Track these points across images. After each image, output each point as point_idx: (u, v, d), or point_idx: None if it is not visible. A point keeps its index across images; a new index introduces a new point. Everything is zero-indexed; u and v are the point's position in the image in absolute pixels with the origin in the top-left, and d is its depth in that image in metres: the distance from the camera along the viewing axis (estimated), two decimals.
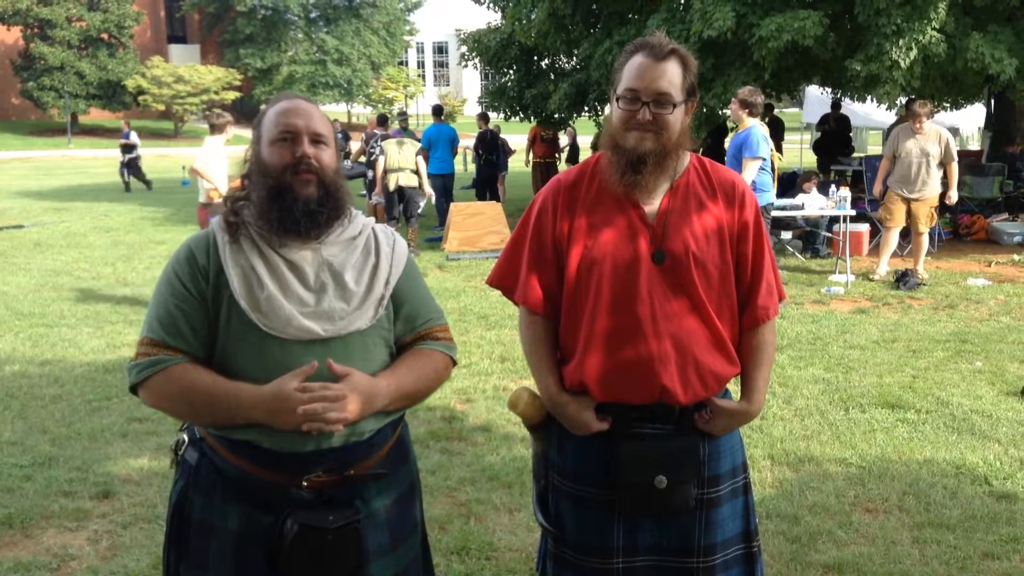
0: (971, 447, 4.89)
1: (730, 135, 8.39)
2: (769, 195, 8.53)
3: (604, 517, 2.28)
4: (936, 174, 9.49)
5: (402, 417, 2.25)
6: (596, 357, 2.23)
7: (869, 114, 17.94)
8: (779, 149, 17.62)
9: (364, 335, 2.09)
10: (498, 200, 15.44)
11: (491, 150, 16.61)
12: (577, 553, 2.31)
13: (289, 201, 2.03)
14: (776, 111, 18.20)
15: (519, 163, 20.29)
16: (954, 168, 9.62)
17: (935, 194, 9.55)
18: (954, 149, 9.59)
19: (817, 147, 17.21)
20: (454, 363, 2.31)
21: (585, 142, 20.75)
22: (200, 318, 2.04)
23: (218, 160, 8.52)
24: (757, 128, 8.02)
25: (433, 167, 14.26)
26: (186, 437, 2.16)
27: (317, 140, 2.08)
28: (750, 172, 7.87)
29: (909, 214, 9.62)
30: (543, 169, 17.33)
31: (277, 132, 2.07)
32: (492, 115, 17.31)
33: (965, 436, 5.06)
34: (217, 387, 2.00)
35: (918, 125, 9.50)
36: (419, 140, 13.83)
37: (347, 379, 2.01)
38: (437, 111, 15.31)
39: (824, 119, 16.85)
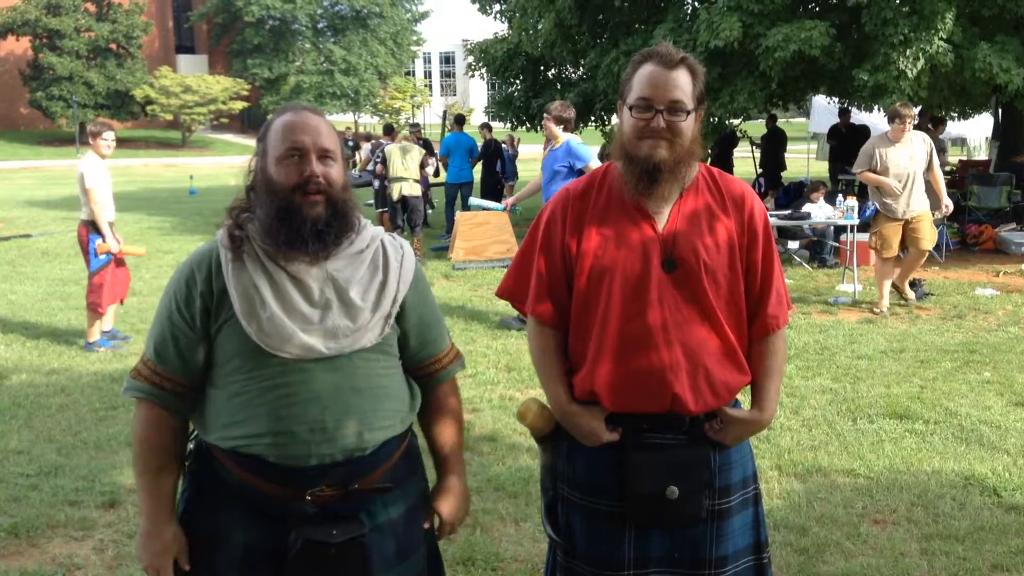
0: (980, 458, 4.87)
1: (547, 150, 7.92)
2: None
3: (615, 529, 2.27)
4: (923, 183, 8.42)
5: (409, 429, 2.24)
6: (606, 366, 2.22)
7: (876, 124, 17.92)
8: (781, 160, 17.65)
9: (369, 352, 2.08)
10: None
11: (493, 160, 16.65)
12: (587, 565, 2.30)
13: (297, 222, 2.00)
14: (781, 121, 18.19)
15: (527, 172, 20.29)
16: (938, 175, 8.61)
17: (928, 205, 8.49)
18: (936, 156, 8.55)
19: (832, 156, 17.17)
20: (462, 369, 2.38)
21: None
22: (193, 344, 2.05)
23: (105, 181, 7.31)
24: (576, 139, 7.90)
25: (451, 176, 14.36)
26: (193, 447, 2.16)
27: (325, 156, 2.05)
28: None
29: (905, 237, 8.44)
30: None
31: (284, 149, 2.03)
32: (500, 124, 17.34)
33: (974, 447, 5.04)
34: (147, 477, 2.08)
35: (902, 129, 8.33)
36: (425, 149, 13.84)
37: (443, 514, 2.27)
38: (459, 120, 15.44)
39: (834, 130, 16.80)
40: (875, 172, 8.34)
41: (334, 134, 2.10)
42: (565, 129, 7.84)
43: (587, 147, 7.89)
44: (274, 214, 2.02)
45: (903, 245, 8.51)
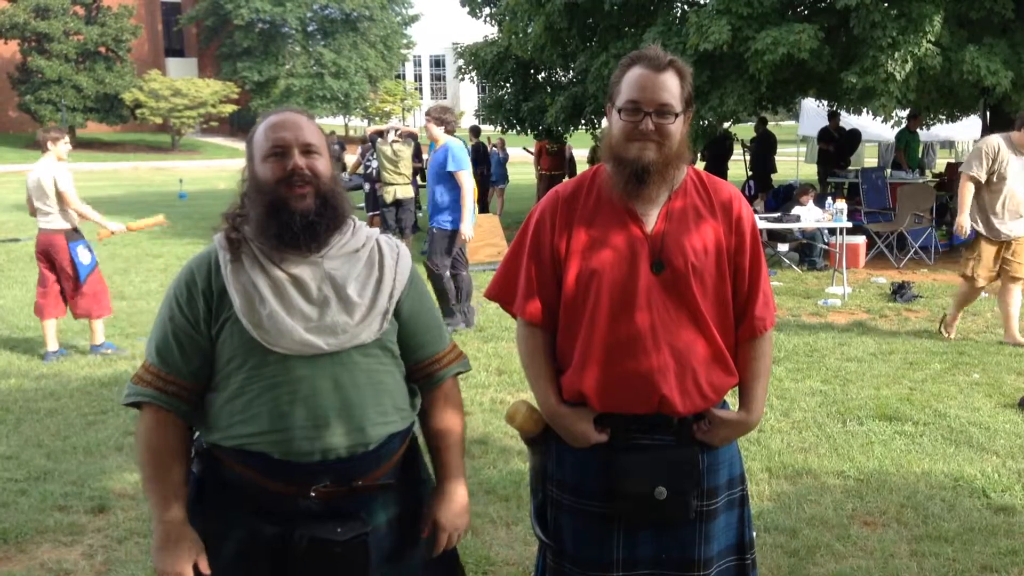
0: (969, 459, 4.88)
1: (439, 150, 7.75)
2: (457, 218, 7.83)
3: (603, 530, 2.28)
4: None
5: (411, 427, 2.25)
6: (595, 368, 2.23)
7: (865, 127, 17.98)
8: (771, 163, 17.67)
9: (369, 348, 2.10)
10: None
11: (480, 164, 16.70)
12: (576, 567, 2.31)
13: (286, 216, 2.03)
14: (771, 124, 18.22)
15: (518, 175, 20.31)
16: None
17: None
18: None
19: (821, 159, 17.20)
20: (466, 371, 2.38)
21: (579, 155, 20.77)
22: (197, 344, 2.06)
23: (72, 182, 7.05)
24: (455, 143, 7.86)
25: None
26: (192, 449, 2.17)
27: (308, 150, 2.07)
28: (468, 185, 7.71)
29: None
30: (548, 182, 17.39)
31: (268, 147, 2.06)
32: (489, 128, 17.36)
33: (963, 448, 5.05)
34: (157, 483, 2.06)
35: None
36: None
37: (439, 519, 2.23)
38: None
39: (824, 132, 16.83)
40: (989, 178, 6.93)
41: (317, 130, 2.13)
42: (447, 131, 7.84)
43: (465, 155, 7.84)
44: (264, 211, 2.05)
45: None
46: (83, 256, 7.12)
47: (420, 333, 2.23)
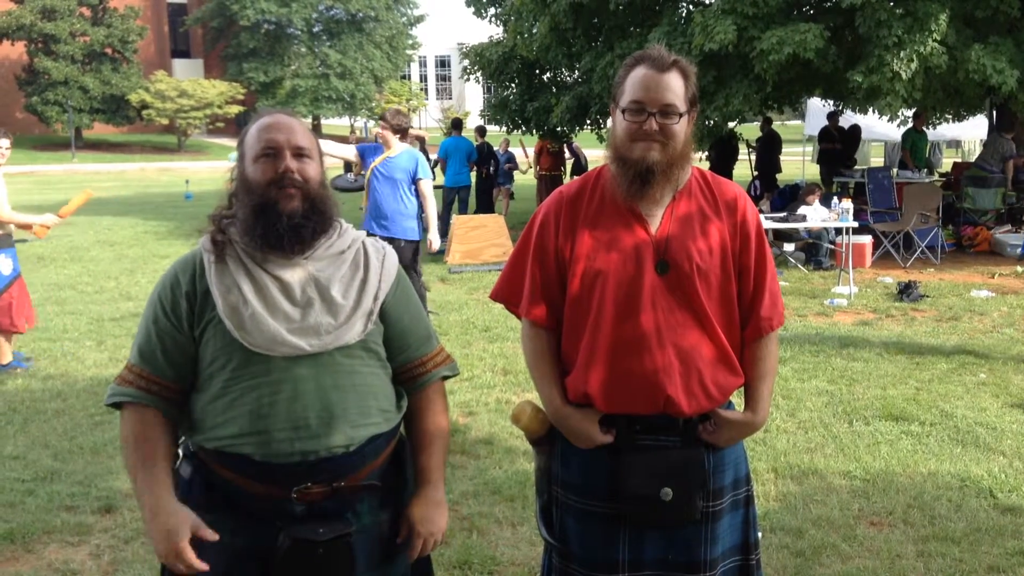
0: (976, 459, 4.87)
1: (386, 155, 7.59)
2: (416, 227, 7.59)
3: (609, 531, 2.28)
4: None
5: (397, 429, 2.25)
6: (600, 368, 2.23)
7: (871, 126, 17.95)
8: (777, 162, 17.66)
9: (352, 349, 2.10)
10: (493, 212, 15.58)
11: (484, 164, 16.72)
12: (582, 568, 2.30)
13: (273, 217, 2.03)
14: (776, 124, 18.19)
15: (522, 175, 20.29)
16: None
17: None
18: None
19: (823, 159, 17.15)
20: (454, 375, 2.36)
21: (593, 155, 20.72)
22: (180, 346, 2.06)
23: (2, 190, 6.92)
24: (416, 150, 7.74)
25: (448, 179, 14.57)
26: (180, 452, 2.17)
27: (300, 154, 2.08)
28: (431, 195, 7.63)
29: None
30: (548, 182, 17.41)
31: (260, 148, 2.07)
32: (495, 128, 17.37)
33: (969, 448, 5.04)
34: (142, 469, 2.04)
35: None
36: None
37: (415, 524, 2.18)
38: (456, 124, 15.64)
39: (825, 132, 16.81)
40: None
41: (309, 134, 2.13)
42: (401, 139, 7.68)
43: (427, 164, 7.86)
44: (251, 211, 2.05)
45: None
46: (3, 266, 6.90)
47: (406, 335, 2.22)
